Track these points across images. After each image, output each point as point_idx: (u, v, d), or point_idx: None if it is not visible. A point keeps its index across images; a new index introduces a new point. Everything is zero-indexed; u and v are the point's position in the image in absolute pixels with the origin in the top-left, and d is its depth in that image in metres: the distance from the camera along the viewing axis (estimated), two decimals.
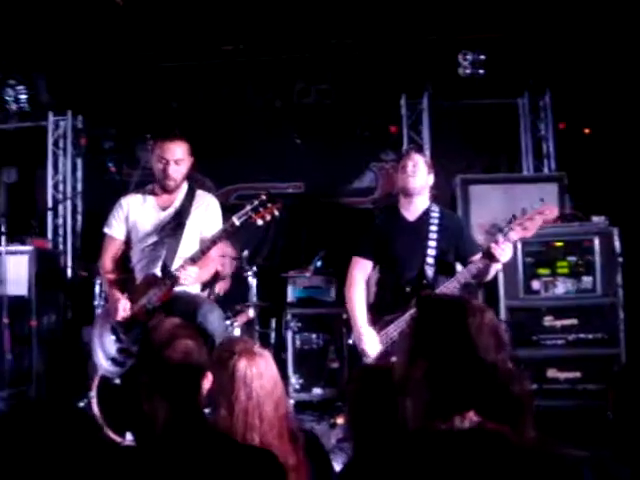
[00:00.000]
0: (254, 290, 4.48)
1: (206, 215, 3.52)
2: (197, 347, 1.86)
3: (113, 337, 3.37)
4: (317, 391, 4.95)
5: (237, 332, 4.48)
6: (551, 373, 4.27)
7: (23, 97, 6.18)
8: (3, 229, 4.64)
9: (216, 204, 3.62)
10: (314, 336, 4.97)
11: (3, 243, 4.67)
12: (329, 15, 5.48)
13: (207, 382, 1.86)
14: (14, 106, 6.23)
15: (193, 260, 3.25)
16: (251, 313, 4.49)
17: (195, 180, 3.81)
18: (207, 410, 1.97)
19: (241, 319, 4.60)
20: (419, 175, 3.41)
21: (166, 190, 3.50)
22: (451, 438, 1.24)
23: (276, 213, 3.20)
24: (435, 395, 1.32)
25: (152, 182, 3.63)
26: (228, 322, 4.37)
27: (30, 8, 5.36)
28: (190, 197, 3.53)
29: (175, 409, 1.78)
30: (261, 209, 3.18)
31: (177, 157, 3.41)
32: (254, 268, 4.46)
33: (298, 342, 4.96)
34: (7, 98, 6.19)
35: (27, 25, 5.59)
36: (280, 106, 6.20)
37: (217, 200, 3.67)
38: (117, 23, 5.61)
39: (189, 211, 3.48)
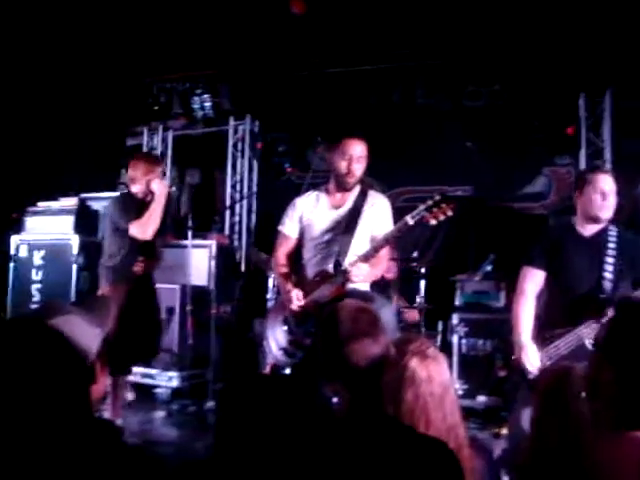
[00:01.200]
0: (422, 292, 4.46)
1: (378, 215, 3.58)
2: (378, 341, 1.87)
3: (285, 328, 3.51)
4: (481, 399, 4.81)
5: None
6: None
7: (207, 104, 6.70)
8: (190, 224, 5.05)
9: (387, 205, 3.66)
10: (481, 342, 4.83)
11: (189, 237, 5.08)
12: (499, 15, 5.34)
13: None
14: (200, 113, 6.77)
15: (365, 258, 3.31)
16: (417, 315, 4.48)
17: (364, 183, 3.89)
18: None
19: (407, 319, 4.61)
20: (613, 204, 3.21)
21: (343, 188, 3.58)
22: None
23: (450, 214, 3.17)
24: (624, 399, 1.25)
25: (323, 184, 3.76)
26: None
27: (215, 24, 5.80)
28: (362, 197, 3.60)
29: (356, 400, 1.81)
30: (435, 209, 3.16)
31: (360, 155, 3.50)
32: (422, 270, 4.45)
33: (464, 347, 4.86)
34: (194, 106, 6.75)
35: (211, 38, 6.06)
36: (450, 109, 6.14)
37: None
38: (291, 32, 5.90)
39: (361, 210, 3.55)
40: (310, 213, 3.67)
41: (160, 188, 4.16)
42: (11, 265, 6.24)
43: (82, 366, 0.97)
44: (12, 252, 6.25)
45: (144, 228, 4.07)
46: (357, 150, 3.50)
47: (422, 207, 3.18)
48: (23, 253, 6.20)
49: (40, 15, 5.72)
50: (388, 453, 1.62)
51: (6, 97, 7.02)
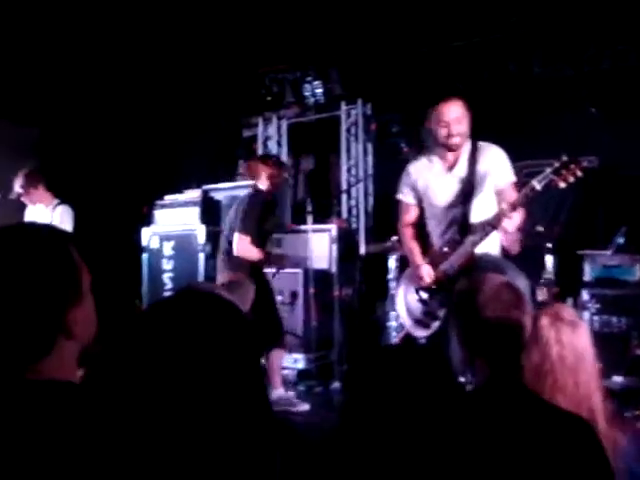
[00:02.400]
0: (549, 268, 4.29)
1: (494, 165, 3.45)
2: (519, 308, 1.79)
3: (417, 299, 3.49)
4: (617, 379, 4.56)
5: None
6: None
7: (319, 91, 6.77)
8: (308, 210, 5.16)
9: (501, 152, 3.52)
10: (615, 319, 4.57)
11: (309, 222, 5.20)
12: None
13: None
14: (311, 100, 6.86)
15: (492, 225, 3.21)
16: (545, 292, 4.32)
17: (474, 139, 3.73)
18: None
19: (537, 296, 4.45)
20: None
21: (451, 150, 3.48)
22: None
23: (579, 174, 2.99)
24: None
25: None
26: None
27: (320, 9, 5.84)
28: (474, 152, 3.47)
29: (495, 368, 1.78)
30: (563, 171, 3.00)
31: (457, 116, 3.40)
32: (549, 244, 4.28)
33: (596, 324, 4.61)
34: (305, 93, 6.85)
35: (318, 25, 6.11)
36: (570, 76, 5.83)
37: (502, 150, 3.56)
38: (397, 12, 5.83)
39: (476, 166, 3.44)
40: (425, 178, 3.59)
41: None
42: (144, 256, 6.66)
43: (254, 333, 0.99)
44: (144, 244, 6.67)
45: (243, 251, 4.30)
46: (452, 112, 3.39)
47: (549, 170, 3.03)
48: (154, 244, 6.60)
49: (155, 15, 6.01)
50: (525, 428, 1.59)
51: (131, 98, 7.46)
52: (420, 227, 3.68)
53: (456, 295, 1.93)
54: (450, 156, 3.52)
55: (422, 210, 3.66)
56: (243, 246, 4.28)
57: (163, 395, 0.85)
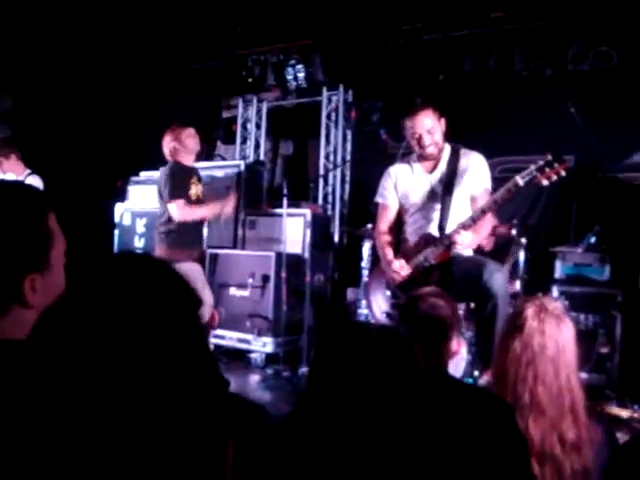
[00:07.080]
0: (521, 263, 4.33)
1: (473, 172, 3.54)
2: (446, 306, 2.00)
3: (388, 293, 3.53)
4: (582, 376, 4.61)
5: None
6: None
7: (301, 75, 6.71)
8: (285, 192, 5.12)
9: (482, 160, 3.62)
10: (582, 317, 4.62)
11: (285, 206, 5.15)
12: None
13: (456, 344, 2.01)
14: (293, 84, 6.80)
15: (472, 220, 3.26)
16: (517, 286, 4.35)
17: (453, 144, 3.81)
18: None
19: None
20: None
21: (428, 159, 3.59)
22: None
23: (563, 174, 3.09)
24: None
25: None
26: None
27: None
28: (455, 157, 3.57)
29: (424, 354, 1.87)
30: (547, 169, 3.09)
31: (427, 127, 3.48)
32: (522, 240, 4.31)
33: None
34: (288, 77, 6.78)
35: (303, 8, 6.06)
36: (551, 75, 5.85)
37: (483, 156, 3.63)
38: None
39: (456, 171, 3.52)
40: (405, 181, 3.67)
41: (228, 209, 4.48)
42: (116, 232, 6.56)
43: (194, 309, 0.96)
44: (117, 220, 6.57)
45: (184, 215, 4.25)
46: (422, 124, 3.47)
47: (533, 167, 3.12)
48: (127, 221, 6.51)
49: None
50: (437, 406, 1.63)
51: (109, 69, 7.32)
52: (397, 228, 3.74)
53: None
54: (430, 161, 3.63)
55: (400, 211, 3.71)
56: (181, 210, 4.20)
57: (101, 353, 0.83)
